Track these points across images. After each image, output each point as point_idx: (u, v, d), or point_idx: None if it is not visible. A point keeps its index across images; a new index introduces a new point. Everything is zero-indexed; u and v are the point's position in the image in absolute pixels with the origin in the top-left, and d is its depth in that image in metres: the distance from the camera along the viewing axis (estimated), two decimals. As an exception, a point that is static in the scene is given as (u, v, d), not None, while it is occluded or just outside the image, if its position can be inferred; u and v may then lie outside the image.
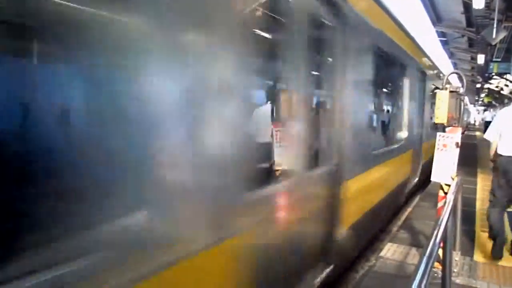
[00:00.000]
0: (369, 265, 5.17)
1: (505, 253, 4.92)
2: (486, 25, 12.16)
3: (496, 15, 11.14)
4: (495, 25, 11.36)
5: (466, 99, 47.40)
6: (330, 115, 4.04)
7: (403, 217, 7.43)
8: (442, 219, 2.63)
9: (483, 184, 9.35)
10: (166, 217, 1.97)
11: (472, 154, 15.30)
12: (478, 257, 4.87)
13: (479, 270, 4.50)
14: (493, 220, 4.71)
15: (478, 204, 7.40)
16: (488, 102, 42.14)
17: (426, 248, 2.03)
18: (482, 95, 43.51)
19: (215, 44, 2.26)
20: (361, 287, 4.19)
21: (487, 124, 24.46)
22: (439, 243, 2.26)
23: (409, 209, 7.85)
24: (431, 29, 17.89)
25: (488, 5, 11.13)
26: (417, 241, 5.49)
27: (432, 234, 2.28)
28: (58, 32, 1.65)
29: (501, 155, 4.61)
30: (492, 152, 4.79)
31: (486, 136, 4.90)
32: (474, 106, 62.88)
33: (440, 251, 3.07)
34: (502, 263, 4.67)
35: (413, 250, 5.10)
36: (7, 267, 1.36)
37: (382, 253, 5.03)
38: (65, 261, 1.50)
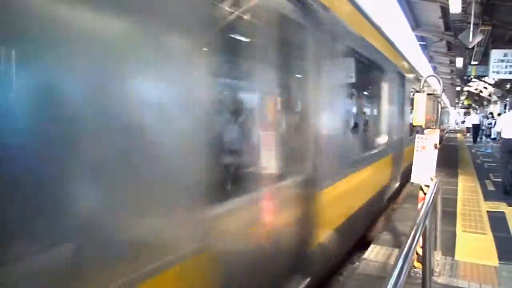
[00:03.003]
0: (352, 267, 5.19)
1: (487, 252, 5.02)
2: (464, 29, 12.41)
3: (472, 19, 11.38)
4: (471, 29, 11.60)
5: (447, 102, 48.28)
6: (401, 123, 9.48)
7: (387, 219, 7.50)
8: (421, 218, 2.66)
9: (464, 185, 9.51)
10: None
11: (453, 156, 15.56)
12: (459, 256, 4.93)
13: (460, 269, 4.55)
14: (504, 172, 8.76)
15: (459, 205, 7.51)
16: (468, 104, 43.03)
17: (404, 247, 2.05)
18: (462, 97, 44.40)
19: None
20: (345, 289, 4.20)
21: (475, 126, 24.78)
22: (417, 242, 2.28)
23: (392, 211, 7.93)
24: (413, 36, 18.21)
25: (465, 9, 11.37)
26: (400, 242, 5.53)
27: (410, 233, 2.31)
28: None
29: (503, 138, 8.71)
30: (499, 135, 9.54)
31: (497, 129, 10.68)
32: (455, 109, 63.95)
33: (421, 251, 3.11)
34: (483, 262, 4.75)
35: (396, 251, 5.13)
36: None
37: (365, 255, 5.06)
38: None
